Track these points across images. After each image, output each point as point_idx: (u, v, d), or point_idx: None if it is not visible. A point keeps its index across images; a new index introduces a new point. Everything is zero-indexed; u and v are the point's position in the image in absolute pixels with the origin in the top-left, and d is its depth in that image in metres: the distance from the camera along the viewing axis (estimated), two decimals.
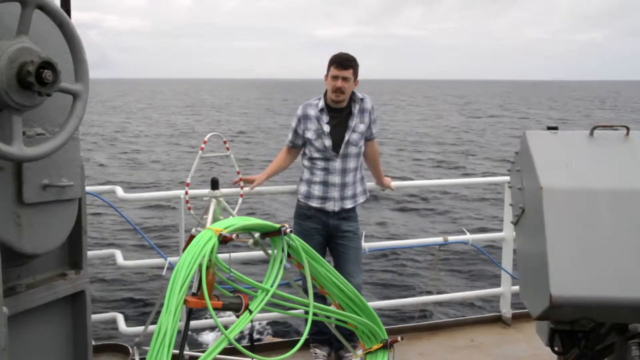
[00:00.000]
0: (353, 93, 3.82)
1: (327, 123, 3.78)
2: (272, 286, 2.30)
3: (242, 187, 3.87)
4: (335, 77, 3.72)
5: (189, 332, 2.27)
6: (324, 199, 3.79)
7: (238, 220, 2.37)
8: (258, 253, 3.37)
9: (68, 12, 2.05)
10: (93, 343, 2.46)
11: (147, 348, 2.41)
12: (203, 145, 3.70)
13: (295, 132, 3.88)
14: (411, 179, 16.40)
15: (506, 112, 52.04)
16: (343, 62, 3.74)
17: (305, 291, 2.47)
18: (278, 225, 2.42)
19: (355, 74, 3.78)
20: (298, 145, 3.93)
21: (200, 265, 2.12)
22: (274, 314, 3.77)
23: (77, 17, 1.90)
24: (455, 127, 37.05)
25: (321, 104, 3.81)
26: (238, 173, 3.87)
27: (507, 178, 3.07)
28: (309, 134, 3.80)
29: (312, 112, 3.82)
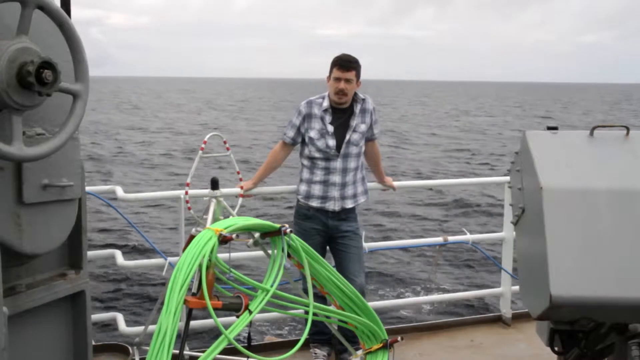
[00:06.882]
0: (355, 93, 3.80)
1: (331, 123, 3.76)
2: (272, 286, 2.30)
3: (242, 187, 3.87)
4: (337, 79, 3.70)
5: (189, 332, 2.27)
6: (324, 198, 3.78)
7: (238, 220, 2.37)
8: (258, 253, 3.37)
9: (68, 12, 2.06)
10: (93, 343, 2.46)
11: (147, 348, 2.41)
12: (203, 146, 3.69)
13: (298, 129, 3.84)
14: (412, 179, 16.42)
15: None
16: (345, 64, 3.71)
17: (305, 291, 2.47)
18: (278, 225, 2.42)
19: (358, 75, 3.76)
20: (297, 142, 3.89)
21: (200, 265, 2.12)
22: (274, 314, 3.77)
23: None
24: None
25: (326, 103, 3.78)
26: (238, 173, 3.86)
27: (507, 178, 3.07)
28: (312, 133, 3.77)
29: (317, 111, 3.79)
